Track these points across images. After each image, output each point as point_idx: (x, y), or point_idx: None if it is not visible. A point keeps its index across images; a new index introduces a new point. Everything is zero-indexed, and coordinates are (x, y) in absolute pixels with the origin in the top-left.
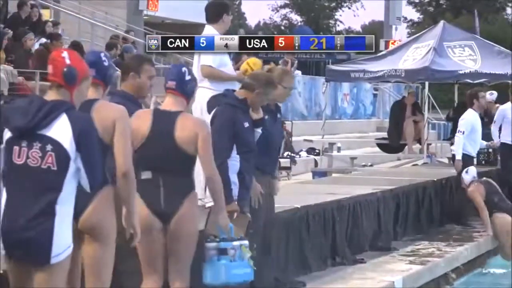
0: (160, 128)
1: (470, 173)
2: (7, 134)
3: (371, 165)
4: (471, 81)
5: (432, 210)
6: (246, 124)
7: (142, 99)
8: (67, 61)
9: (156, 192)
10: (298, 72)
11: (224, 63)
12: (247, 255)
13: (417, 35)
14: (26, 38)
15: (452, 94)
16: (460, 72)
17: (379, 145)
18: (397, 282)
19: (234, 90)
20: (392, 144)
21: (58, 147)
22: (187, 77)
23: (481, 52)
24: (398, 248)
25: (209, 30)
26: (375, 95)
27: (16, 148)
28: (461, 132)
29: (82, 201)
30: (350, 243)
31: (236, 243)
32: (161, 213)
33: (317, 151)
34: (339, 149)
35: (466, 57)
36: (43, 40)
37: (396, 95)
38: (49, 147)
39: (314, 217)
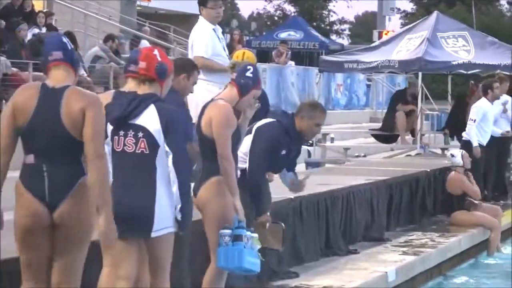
0: (45, 107)
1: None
2: (109, 127)
3: (364, 156)
4: (464, 72)
5: (425, 201)
6: (283, 152)
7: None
8: (159, 58)
9: (40, 180)
10: (292, 63)
11: (217, 53)
12: (257, 247)
13: (411, 25)
14: (20, 28)
15: (446, 85)
16: (454, 62)
17: (373, 135)
18: (390, 273)
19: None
20: (387, 133)
21: (148, 133)
22: (70, 46)
23: (475, 43)
24: (391, 238)
25: (202, 22)
26: (368, 86)
27: (116, 138)
28: (472, 120)
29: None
30: (343, 233)
31: (249, 233)
32: (46, 205)
33: (310, 141)
34: (332, 140)
35: (460, 47)
36: (36, 30)
37: (390, 85)
38: (141, 134)
39: (307, 207)
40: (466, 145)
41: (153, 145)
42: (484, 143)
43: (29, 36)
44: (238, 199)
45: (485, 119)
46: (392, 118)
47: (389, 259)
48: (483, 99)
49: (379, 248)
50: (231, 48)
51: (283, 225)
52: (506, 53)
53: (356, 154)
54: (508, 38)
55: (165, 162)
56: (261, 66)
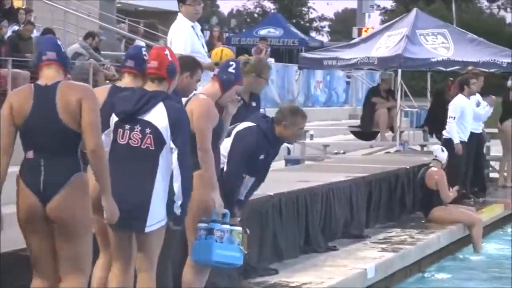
0: (41, 104)
1: (434, 151)
2: (114, 119)
3: (343, 153)
4: (443, 69)
5: (404, 198)
6: (262, 157)
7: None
8: (169, 58)
9: (36, 174)
10: (271, 60)
11: (196, 50)
12: (237, 240)
13: (390, 22)
14: (0, 26)
15: (425, 82)
16: (433, 59)
17: (352, 132)
18: (370, 270)
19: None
20: (365, 130)
21: (155, 130)
22: (63, 49)
23: (454, 40)
24: (370, 235)
25: (181, 19)
26: (348, 83)
27: (120, 130)
28: (452, 117)
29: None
30: (322, 230)
31: (226, 226)
32: (40, 197)
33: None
34: (312, 137)
35: (439, 44)
36: (16, 27)
37: (369, 82)
38: (148, 130)
39: (287, 204)
40: (447, 143)
41: (160, 142)
42: (466, 138)
43: (8, 33)
44: (217, 193)
45: (463, 115)
46: (369, 115)
47: (368, 255)
48: (460, 95)
49: (358, 245)
50: (210, 45)
51: (247, 230)
52: (486, 50)
53: (336, 151)
54: (487, 35)
55: (168, 159)
56: None
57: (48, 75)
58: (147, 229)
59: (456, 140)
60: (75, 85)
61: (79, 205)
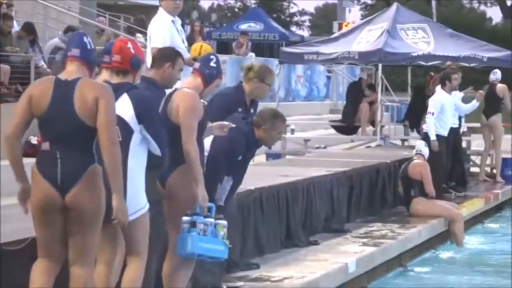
0: (59, 97)
1: (416, 146)
2: None
3: (324, 147)
4: (424, 63)
5: (385, 192)
6: (240, 158)
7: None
8: (132, 51)
9: (53, 166)
10: (252, 54)
11: (175, 45)
12: (221, 234)
13: (371, 17)
14: None
15: (406, 76)
16: (413, 54)
17: (333, 126)
18: (351, 264)
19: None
20: (347, 125)
21: (122, 121)
22: (90, 46)
23: (434, 35)
24: (351, 229)
25: (161, 13)
26: (328, 77)
27: None
28: (430, 113)
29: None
30: (303, 225)
31: (210, 219)
32: (58, 188)
33: None
34: (292, 131)
35: (419, 39)
36: None
37: (350, 77)
38: None
39: (267, 199)
40: (427, 138)
41: (127, 132)
42: (446, 133)
43: None
44: (201, 186)
45: (443, 111)
46: (351, 110)
47: (350, 250)
48: (441, 90)
49: (339, 239)
50: (191, 40)
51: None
52: (466, 44)
53: (317, 146)
54: (468, 30)
55: (141, 148)
56: (221, 57)
57: (70, 70)
58: (130, 217)
59: (432, 137)
60: (94, 83)
61: (96, 194)
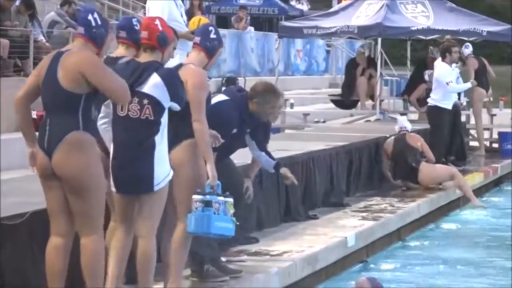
0: (50, 68)
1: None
2: None
3: (324, 121)
4: (423, 38)
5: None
6: (234, 131)
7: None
8: (160, 28)
9: (44, 132)
10: (251, 29)
11: (174, 18)
12: (231, 212)
13: None
14: None
15: (405, 51)
16: (413, 28)
17: (333, 101)
18: (350, 238)
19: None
20: (345, 100)
21: (154, 100)
22: (95, 23)
23: (434, 9)
24: (350, 204)
25: None
26: (328, 52)
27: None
28: (449, 83)
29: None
30: (303, 199)
31: (221, 198)
32: (46, 153)
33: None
34: (292, 105)
35: (419, 13)
36: None
37: (349, 51)
38: (145, 101)
39: (267, 173)
40: (433, 110)
41: (159, 110)
42: (450, 107)
43: None
44: (211, 164)
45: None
46: (350, 84)
47: (349, 224)
48: (442, 63)
49: (338, 213)
50: (191, 14)
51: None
52: (465, 18)
53: (316, 120)
54: (467, 4)
55: (164, 121)
56: (220, 32)
57: (73, 45)
58: (156, 188)
59: (467, 85)
60: (77, 54)
61: (78, 160)
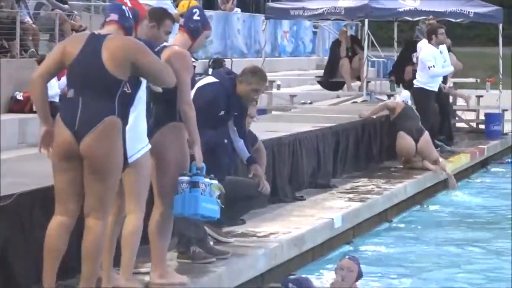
0: (89, 49)
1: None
2: None
3: (310, 103)
4: (410, 19)
5: (371, 147)
6: (222, 113)
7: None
8: (129, 5)
9: (74, 112)
10: (238, 10)
11: (163, 2)
12: (216, 194)
13: None
14: None
15: (392, 32)
16: (400, 9)
17: (319, 82)
18: (336, 219)
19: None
20: (327, 79)
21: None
22: (128, 15)
23: None
24: (337, 185)
25: None
26: (314, 33)
27: None
28: (430, 67)
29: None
30: (289, 180)
31: (207, 180)
32: (75, 134)
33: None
34: (278, 87)
35: None
36: None
37: (336, 32)
38: None
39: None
40: (418, 92)
41: (135, 83)
42: (436, 89)
43: None
44: (198, 146)
45: (435, 65)
46: (333, 64)
47: (335, 205)
48: (428, 44)
49: (325, 195)
50: None
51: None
52: (453, 0)
53: (302, 101)
54: None
55: (142, 95)
56: (207, 13)
57: (107, 29)
58: (130, 160)
59: (450, 69)
60: (123, 38)
61: (110, 145)
